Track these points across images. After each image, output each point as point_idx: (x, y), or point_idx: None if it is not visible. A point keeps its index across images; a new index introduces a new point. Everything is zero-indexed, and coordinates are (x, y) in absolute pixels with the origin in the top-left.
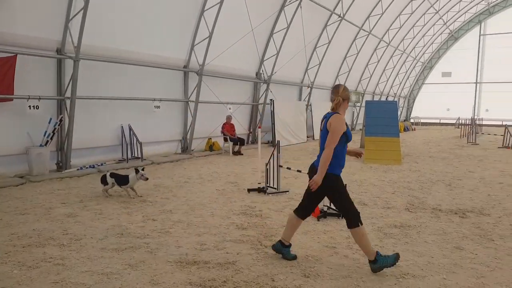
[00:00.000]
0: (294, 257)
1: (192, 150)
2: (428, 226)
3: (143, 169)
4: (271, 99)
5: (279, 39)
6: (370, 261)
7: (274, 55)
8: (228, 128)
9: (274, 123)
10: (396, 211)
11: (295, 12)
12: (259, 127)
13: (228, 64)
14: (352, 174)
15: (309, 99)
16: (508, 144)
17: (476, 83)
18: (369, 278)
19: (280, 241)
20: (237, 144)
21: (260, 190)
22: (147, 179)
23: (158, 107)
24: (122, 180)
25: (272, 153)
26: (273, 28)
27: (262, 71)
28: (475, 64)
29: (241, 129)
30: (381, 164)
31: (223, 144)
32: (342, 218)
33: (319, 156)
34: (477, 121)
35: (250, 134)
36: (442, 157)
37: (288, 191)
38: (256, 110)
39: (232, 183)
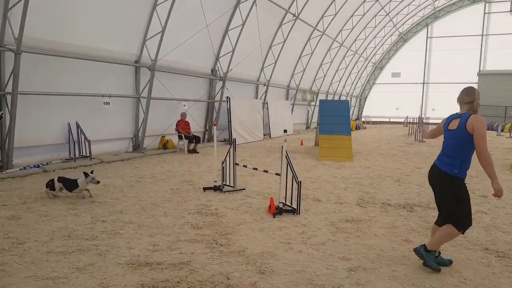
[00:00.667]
0: (437, 269)
1: (145, 149)
2: (378, 220)
3: (92, 172)
4: (227, 97)
5: (235, 36)
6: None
7: (229, 52)
8: (183, 126)
9: (230, 121)
10: (348, 206)
11: (250, 10)
12: (214, 125)
13: (183, 60)
14: (307, 171)
15: (265, 97)
16: None
17: (423, 83)
18: (322, 272)
19: (424, 245)
20: (193, 142)
21: (216, 189)
22: (98, 182)
23: (107, 103)
24: (70, 185)
25: (228, 151)
26: (229, 24)
27: (218, 68)
28: (422, 65)
29: (196, 127)
30: (334, 161)
31: (178, 142)
32: (297, 214)
33: (442, 158)
34: (424, 120)
35: (206, 132)
36: (392, 154)
37: (244, 189)
38: (212, 108)
39: (187, 182)
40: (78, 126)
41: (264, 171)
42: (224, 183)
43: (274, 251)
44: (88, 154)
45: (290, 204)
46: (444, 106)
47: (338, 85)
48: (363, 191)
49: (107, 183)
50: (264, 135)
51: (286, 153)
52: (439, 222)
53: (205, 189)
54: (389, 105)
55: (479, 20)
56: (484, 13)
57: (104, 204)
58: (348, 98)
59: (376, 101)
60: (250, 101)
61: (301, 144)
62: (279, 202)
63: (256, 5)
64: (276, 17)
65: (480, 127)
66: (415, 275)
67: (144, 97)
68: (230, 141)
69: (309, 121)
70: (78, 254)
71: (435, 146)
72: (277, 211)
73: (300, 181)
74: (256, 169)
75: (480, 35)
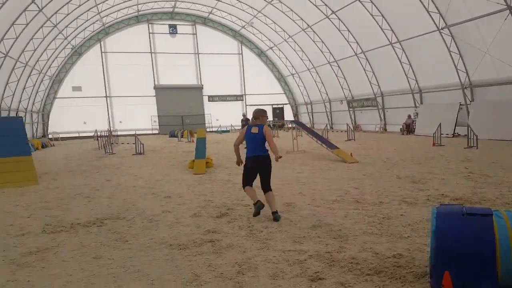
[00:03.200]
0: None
1: None
2: (67, 244)
3: None
4: None
5: None
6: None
7: None
8: None
9: None
10: (32, 236)
11: None
12: None
13: None
14: None
15: None
16: (141, 150)
17: (106, 97)
18: None
19: (275, 212)
20: None
21: None
22: None
23: None
24: None
25: None
26: None
27: None
28: (102, 79)
29: None
30: (15, 187)
31: None
32: None
33: (257, 149)
34: (112, 132)
35: None
36: (82, 170)
37: None
38: None
39: None
40: None
41: None
42: None
43: None
44: None
45: None
46: (131, 117)
47: (12, 100)
48: (50, 215)
49: None
50: None
51: None
52: (263, 189)
53: None
54: (76, 120)
55: (146, 38)
56: (149, 32)
57: None
58: (27, 114)
59: (62, 116)
60: None
61: None
62: None
63: None
64: None
65: (269, 131)
66: None
67: None
68: None
69: None
70: None
71: (125, 156)
72: None
73: None
74: None
75: (149, 52)
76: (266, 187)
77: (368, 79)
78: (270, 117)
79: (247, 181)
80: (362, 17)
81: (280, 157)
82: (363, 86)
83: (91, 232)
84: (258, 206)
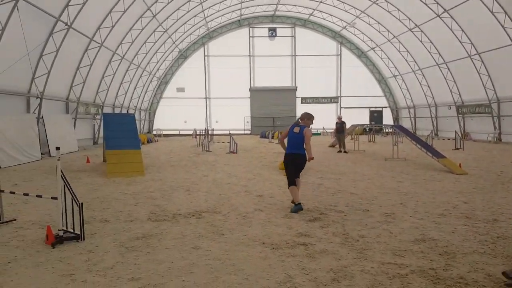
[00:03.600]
0: (301, 209)
1: None
2: (169, 232)
3: None
4: None
5: None
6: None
7: None
8: None
9: None
10: (138, 223)
11: (10, 14)
12: None
13: None
14: (94, 190)
15: (39, 111)
16: (234, 149)
17: (206, 98)
18: None
19: (298, 203)
20: None
21: None
22: None
23: None
24: None
25: None
26: None
27: None
28: (203, 81)
29: None
30: (125, 177)
31: None
32: (82, 240)
33: (293, 147)
34: (209, 131)
35: None
36: (182, 165)
37: (15, 220)
38: None
39: None
40: None
41: (37, 196)
42: None
43: (53, 287)
44: None
45: (73, 230)
46: (226, 118)
47: (125, 98)
48: (155, 204)
49: None
50: (42, 154)
51: (62, 173)
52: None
53: None
54: (178, 118)
55: (246, 42)
56: (249, 36)
57: None
58: (137, 112)
59: (165, 114)
60: (20, 116)
61: (88, 161)
62: (59, 230)
63: (18, 9)
64: (46, 25)
65: (309, 133)
66: (203, 281)
67: None
68: None
69: (96, 136)
70: None
71: (220, 155)
72: (57, 240)
73: (82, 203)
74: (27, 194)
75: (248, 55)
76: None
77: (483, 83)
78: (366, 120)
79: (291, 178)
80: (480, 14)
81: (312, 158)
82: (475, 90)
83: (190, 223)
84: (298, 207)
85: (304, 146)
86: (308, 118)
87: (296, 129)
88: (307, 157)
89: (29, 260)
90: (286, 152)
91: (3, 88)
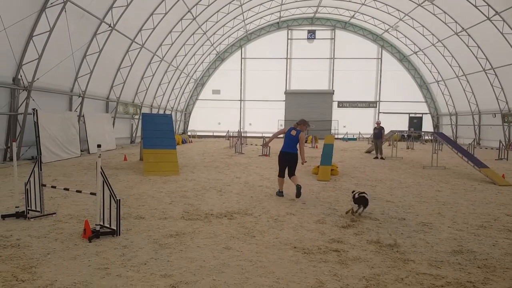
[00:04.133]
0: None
1: None
2: (202, 231)
3: None
4: (33, 109)
5: (42, 42)
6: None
7: (35, 59)
8: None
9: (38, 136)
10: (172, 221)
11: (58, 16)
12: (13, 141)
13: None
14: (130, 188)
15: (81, 109)
16: (267, 152)
17: (240, 100)
18: None
19: (298, 185)
20: None
21: (19, 215)
22: None
23: None
24: None
25: (33, 170)
26: (33, 30)
27: (21, 76)
28: (239, 83)
29: None
30: (160, 176)
31: None
32: (117, 235)
33: (288, 147)
34: (242, 134)
35: (8, 149)
36: (215, 166)
37: (55, 213)
38: (15, 121)
39: None
40: None
41: (77, 191)
42: (30, 208)
43: (89, 279)
44: None
45: (109, 226)
46: (259, 120)
47: (162, 99)
48: (188, 203)
49: None
50: (81, 151)
51: (102, 170)
52: (288, 175)
53: (4, 216)
54: (212, 120)
55: (284, 44)
56: (287, 38)
57: None
58: (173, 113)
59: (200, 116)
60: (63, 113)
61: (125, 159)
62: (96, 224)
63: (65, 11)
64: (90, 26)
65: (303, 137)
66: (233, 282)
67: None
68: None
69: (134, 135)
70: None
71: (252, 157)
72: (94, 234)
73: (119, 199)
74: (67, 189)
75: (285, 58)
76: (290, 174)
77: None
78: (405, 126)
79: (280, 170)
80: None
81: (305, 161)
82: None
83: (222, 223)
84: (280, 193)
85: (298, 147)
86: (303, 124)
87: (293, 132)
88: (299, 158)
89: (66, 252)
90: (281, 150)
91: (48, 87)
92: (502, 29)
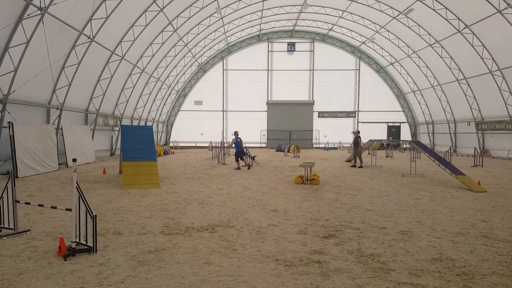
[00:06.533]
0: None
1: None
2: (181, 246)
3: None
4: (9, 122)
5: (18, 54)
6: None
7: (11, 71)
8: None
9: (14, 150)
10: (151, 236)
11: (36, 27)
12: None
13: None
14: (109, 202)
15: (59, 122)
16: (250, 163)
17: (223, 111)
18: None
19: None
20: None
21: None
22: None
23: None
24: None
25: (6, 186)
26: (9, 41)
27: None
28: (221, 94)
29: None
30: (140, 189)
31: None
32: (94, 253)
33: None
34: (225, 144)
35: None
36: (197, 177)
37: (29, 231)
38: None
39: None
40: None
41: (52, 207)
42: (2, 226)
43: None
44: None
45: (85, 242)
46: (242, 131)
47: (143, 110)
48: (168, 217)
49: None
50: (59, 164)
51: (77, 184)
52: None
53: None
54: (194, 131)
55: (265, 56)
56: (268, 50)
57: None
58: (155, 124)
59: (183, 126)
60: (40, 126)
61: (104, 172)
62: (72, 242)
63: (43, 23)
64: (69, 38)
65: (242, 142)
66: None
67: None
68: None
69: (114, 147)
70: None
71: (235, 168)
72: (69, 252)
73: (95, 215)
74: (42, 205)
75: (266, 69)
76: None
77: (504, 99)
78: (384, 135)
79: (236, 159)
80: (502, 30)
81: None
82: (496, 106)
83: (203, 237)
84: (238, 168)
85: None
86: (236, 135)
87: (239, 139)
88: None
89: (40, 272)
90: (236, 150)
91: (25, 99)
92: (472, 41)
